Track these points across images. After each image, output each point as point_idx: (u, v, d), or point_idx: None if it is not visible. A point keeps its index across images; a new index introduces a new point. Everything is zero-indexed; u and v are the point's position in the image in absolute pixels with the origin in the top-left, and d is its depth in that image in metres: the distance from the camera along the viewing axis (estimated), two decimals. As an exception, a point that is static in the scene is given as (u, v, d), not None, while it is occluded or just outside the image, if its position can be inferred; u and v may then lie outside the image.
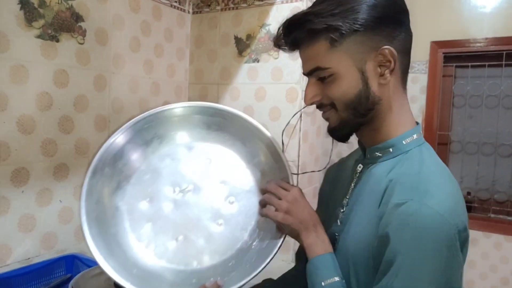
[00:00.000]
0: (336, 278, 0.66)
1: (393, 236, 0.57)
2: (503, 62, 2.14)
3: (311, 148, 1.55)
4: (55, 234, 1.21)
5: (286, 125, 1.48)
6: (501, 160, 2.22)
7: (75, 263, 1.19)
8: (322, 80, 0.68)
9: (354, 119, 0.68)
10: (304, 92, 0.72)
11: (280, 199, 0.76)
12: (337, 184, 0.81)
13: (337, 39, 0.63)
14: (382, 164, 0.68)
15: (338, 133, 0.71)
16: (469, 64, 2.25)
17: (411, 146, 0.67)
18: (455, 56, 2.28)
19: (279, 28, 0.70)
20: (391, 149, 0.68)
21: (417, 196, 0.58)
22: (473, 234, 2.20)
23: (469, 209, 2.29)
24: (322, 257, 0.69)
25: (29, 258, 1.14)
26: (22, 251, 1.13)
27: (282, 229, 0.77)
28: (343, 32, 0.62)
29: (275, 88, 1.51)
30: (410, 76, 2.21)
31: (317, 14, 0.63)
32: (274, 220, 0.76)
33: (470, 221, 1.99)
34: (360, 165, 0.74)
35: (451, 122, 2.34)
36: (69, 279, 0.97)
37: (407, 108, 0.70)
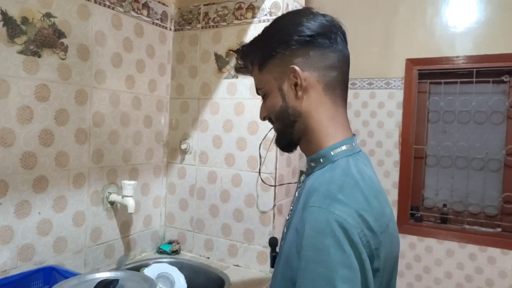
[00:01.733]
0: None
1: (306, 233, 0.63)
2: (474, 79, 2.24)
3: (287, 161, 1.60)
4: (33, 246, 1.22)
5: (263, 139, 1.52)
6: (473, 173, 2.30)
7: (53, 274, 1.20)
8: (264, 99, 0.81)
9: (286, 130, 0.78)
10: None
11: None
12: (294, 195, 0.88)
13: (261, 64, 0.77)
14: (316, 174, 0.75)
15: (279, 143, 0.83)
16: (442, 80, 2.35)
17: (338, 157, 0.73)
18: (429, 73, 2.38)
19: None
20: (321, 160, 0.75)
21: (321, 204, 0.64)
22: (449, 245, 2.26)
23: (444, 220, 2.35)
24: None
25: (5, 270, 1.15)
26: (-1, 263, 1.13)
27: None
28: (261, 58, 0.76)
29: (253, 103, 1.56)
30: (386, 92, 2.28)
31: (247, 45, 0.80)
32: None
33: (446, 232, 2.05)
34: (303, 175, 0.82)
35: (426, 137, 2.42)
36: (46, 290, 0.98)
37: (338, 121, 0.76)
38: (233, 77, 1.62)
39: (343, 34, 0.76)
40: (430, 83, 2.40)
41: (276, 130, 0.83)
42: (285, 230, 0.81)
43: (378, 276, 0.67)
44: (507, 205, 2.19)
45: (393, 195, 2.42)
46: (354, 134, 0.78)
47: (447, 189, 2.36)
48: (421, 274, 2.34)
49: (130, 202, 1.41)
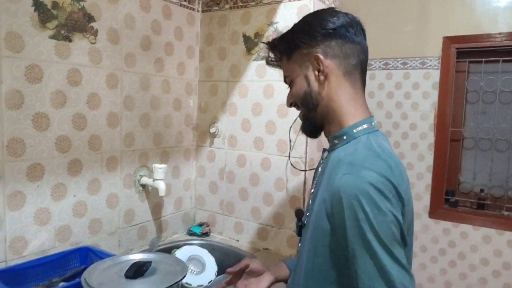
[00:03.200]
0: None
1: (343, 197, 0.71)
2: (518, 57, 2.10)
3: (318, 145, 1.56)
4: (69, 227, 1.26)
5: (294, 122, 1.49)
6: (515, 157, 2.18)
7: (89, 255, 1.24)
8: (290, 86, 0.90)
9: (309, 114, 0.87)
10: None
11: None
12: (316, 171, 0.97)
13: (289, 54, 0.87)
14: (339, 149, 0.83)
15: (305, 129, 0.93)
16: (483, 59, 2.21)
17: (360, 134, 0.82)
18: (468, 52, 2.24)
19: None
20: (344, 137, 0.83)
21: (351, 171, 0.74)
22: (486, 231, 2.17)
23: (481, 206, 2.25)
24: None
25: (44, 250, 1.19)
26: (37, 243, 1.17)
27: None
28: (289, 48, 0.87)
29: (283, 86, 1.51)
30: (422, 72, 2.19)
31: (277, 38, 0.91)
32: None
33: (483, 218, 1.97)
34: (326, 152, 0.91)
35: (464, 118, 2.31)
36: (83, 270, 1.01)
37: (357, 102, 0.85)
38: (262, 59, 1.58)
39: (363, 30, 0.86)
40: (469, 62, 2.27)
41: (301, 116, 0.92)
42: (310, 202, 0.89)
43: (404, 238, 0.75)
44: (551, 190, 2.07)
45: (427, 179, 2.34)
46: (372, 115, 0.87)
47: (485, 173, 2.25)
48: (455, 260, 2.27)
49: (161, 185, 1.42)
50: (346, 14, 0.85)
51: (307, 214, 0.89)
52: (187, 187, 1.75)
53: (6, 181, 1.09)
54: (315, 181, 0.91)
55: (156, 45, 1.52)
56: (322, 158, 0.92)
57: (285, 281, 1.07)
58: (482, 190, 2.27)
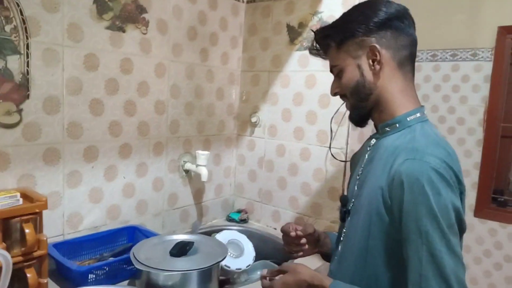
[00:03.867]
0: None
1: (405, 181, 0.73)
2: None
3: (360, 136, 1.55)
4: (119, 206, 1.35)
5: (335, 113, 1.49)
6: None
7: (136, 233, 1.32)
8: (338, 76, 0.90)
9: (360, 103, 0.88)
10: None
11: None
12: (358, 159, 0.98)
13: (340, 43, 0.87)
14: (391, 136, 0.85)
15: (353, 118, 0.93)
16: (542, 51, 2.08)
17: (414, 122, 0.84)
18: (526, 43, 2.11)
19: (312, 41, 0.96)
20: (397, 125, 0.85)
21: (416, 155, 0.75)
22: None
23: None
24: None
25: (97, 227, 1.29)
26: (91, 219, 1.27)
27: None
28: (342, 37, 0.86)
29: (325, 76, 1.52)
30: (472, 64, 2.11)
31: (329, 26, 0.91)
32: None
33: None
34: (373, 139, 0.92)
35: (517, 114, 2.19)
36: (131, 247, 1.08)
37: (408, 93, 0.87)
38: (305, 49, 1.58)
39: (413, 22, 0.87)
40: (526, 53, 2.14)
41: (350, 105, 0.92)
42: (356, 189, 0.91)
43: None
44: None
45: (474, 177, 2.24)
46: (423, 105, 0.88)
47: (538, 173, 2.13)
48: (501, 263, 2.18)
49: (204, 171, 1.48)
50: (398, 5, 0.85)
51: (353, 200, 0.91)
52: (227, 175, 1.80)
53: (65, 161, 1.18)
54: (361, 168, 0.92)
55: (201, 36, 1.57)
56: (369, 146, 0.92)
57: (327, 254, 1.11)
58: (534, 190, 2.15)
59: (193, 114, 1.58)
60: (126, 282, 1.12)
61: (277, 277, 0.98)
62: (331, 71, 0.93)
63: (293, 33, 1.62)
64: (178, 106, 1.51)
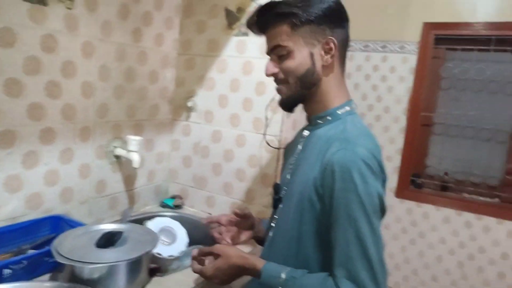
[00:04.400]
0: (283, 275, 0.84)
1: (336, 170, 0.79)
2: (492, 48, 2.16)
3: (293, 124, 1.59)
4: (40, 195, 1.26)
5: (271, 101, 1.51)
6: (480, 144, 2.29)
7: (60, 223, 1.25)
8: (280, 57, 0.89)
9: (301, 91, 0.90)
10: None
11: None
12: (291, 149, 1.03)
13: (297, 25, 0.85)
14: (323, 128, 0.91)
15: (286, 104, 0.95)
16: (460, 47, 2.27)
17: (344, 115, 0.90)
18: (446, 39, 2.29)
19: (253, 12, 0.91)
20: (329, 117, 0.91)
21: (346, 146, 0.81)
22: (446, 212, 2.30)
23: (444, 188, 2.38)
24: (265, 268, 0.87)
25: (14, 218, 1.20)
26: (8, 210, 1.18)
27: None
28: (302, 20, 0.84)
29: (263, 63, 1.51)
30: (400, 56, 2.23)
31: (285, 3, 0.86)
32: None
33: (444, 200, 2.09)
34: (306, 131, 0.97)
35: (436, 104, 2.39)
36: (54, 238, 1.03)
37: (343, 86, 0.92)
38: (243, 35, 1.57)
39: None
40: (447, 49, 2.32)
41: (287, 91, 0.92)
42: (288, 177, 0.96)
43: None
44: (509, 176, 2.20)
45: (395, 162, 2.43)
46: (351, 99, 0.95)
47: (451, 158, 2.36)
48: (415, 239, 2.41)
49: (135, 157, 1.43)
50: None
51: (285, 188, 0.96)
52: (160, 160, 1.76)
53: (-25, 148, 1.07)
54: (294, 158, 0.97)
55: (134, 14, 1.49)
56: (302, 137, 0.97)
57: (261, 239, 1.16)
58: (446, 173, 2.38)
59: (124, 97, 1.51)
60: (48, 276, 1.06)
61: (206, 261, 0.99)
62: (271, 51, 0.90)
63: (231, 18, 1.59)
64: (107, 89, 1.43)
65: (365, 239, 0.77)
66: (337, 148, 0.81)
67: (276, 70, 0.90)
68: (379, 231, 0.79)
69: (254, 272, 0.89)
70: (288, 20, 0.85)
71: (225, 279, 0.93)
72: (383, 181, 0.85)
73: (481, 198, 2.28)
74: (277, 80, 0.93)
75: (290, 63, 0.87)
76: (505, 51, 2.16)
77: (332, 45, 0.86)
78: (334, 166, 0.79)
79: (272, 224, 1.00)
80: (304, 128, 1.00)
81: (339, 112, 0.90)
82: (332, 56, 0.87)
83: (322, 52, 0.87)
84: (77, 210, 1.39)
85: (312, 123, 0.95)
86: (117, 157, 1.50)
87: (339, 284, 0.77)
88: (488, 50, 2.19)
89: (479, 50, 2.22)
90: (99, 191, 1.47)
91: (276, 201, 1.01)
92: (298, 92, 0.90)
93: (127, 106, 1.53)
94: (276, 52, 0.89)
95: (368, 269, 0.76)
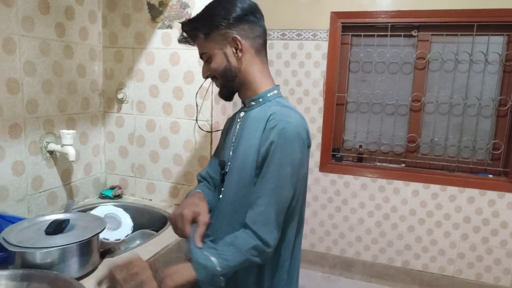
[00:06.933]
0: (212, 259, 0.91)
1: (275, 141, 0.95)
2: (389, 33, 2.49)
3: (223, 109, 1.72)
4: (-27, 195, 1.24)
5: (200, 88, 1.62)
6: (386, 118, 2.62)
7: (-1, 221, 1.24)
8: (207, 61, 1.08)
9: (227, 83, 1.09)
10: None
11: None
12: (229, 129, 1.18)
13: (207, 34, 1.03)
14: (257, 109, 1.07)
15: (223, 94, 1.13)
16: (362, 33, 2.57)
17: (273, 97, 1.08)
18: (351, 26, 2.57)
19: (180, 31, 1.10)
20: (260, 99, 1.08)
21: (282, 119, 0.98)
22: (363, 180, 2.61)
23: (360, 159, 2.69)
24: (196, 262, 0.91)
25: None
26: None
27: None
28: (209, 29, 1.02)
29: (188, 53, 1.62)
30: (313, 43, 2.45)
31: (196, 19, 1.05)
32: None
33: (361, 169, 2.40)
34: (242, 112, 1.13)
35: (347, 85, 2.68)
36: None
37: (266, 74, 1.09)
38: (167, 28, 1.65)
39: (262, 15, 1.07)
40: (352, 35, 2.61)
41: (219, 85, 1.10)
42: (231, 153, 1.10)
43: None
44: (410, 144, 2.57)
45: (317, 139, 2.68)
46: (277, 84, 1.12)
47: (363, 132, 2.67)
48: (340, 206, 2.70)
49: (71, 151, 1.45)
50: (250, 1, 1.05)
51: (229, 163, 1.10)
52: (96, 153, 1.78)
53: None
54: (234, 136, 1.12)
55: (55, 9, 1.48)
56: (239, 118, 1.13)
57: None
58: (361, 146, 2.70)
59: (53, 92, 1.51)
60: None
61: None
62: (201, 57, 1.09)
63: (154, 11, 1.66)
64: (34, 85, 1.42)
65: (284, 189, 0.96)
66: (274, 123, 0.97)
67: (208, 72, 1.09)
68: (296, 185, 0.99)
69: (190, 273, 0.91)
70: (200, 32, 1.04)
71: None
72: (308, 146, 1.03)
73: (391, 165, 2.63)
74: (211, 78, 1.11)
75: (212, 65, 1.05)
76: (399, 36, 2.50)
77: (238, 42, 1.02)
78: (274, 137, 0.96)
79: (220, 196, 1.12)
80: (240, 110, 1.16)
81: (269, 95, 1.07)
82: (241, 51, 1.03)
83: (233, 49, 1.03)
84: (14, 208, 1.37)
85: (246, 105, 1.11)
86: (51, 152, 1.50)
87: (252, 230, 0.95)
88: (386, 36, 2.51)
89: (379, 35, 2.54)
90: (36, 188, 1.46)
91: (223, 176, 1.13)
92: (226, 85, 1.08)
93: (58, 101, 1.53)
94: (203, 58, 1.08)
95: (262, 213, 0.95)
